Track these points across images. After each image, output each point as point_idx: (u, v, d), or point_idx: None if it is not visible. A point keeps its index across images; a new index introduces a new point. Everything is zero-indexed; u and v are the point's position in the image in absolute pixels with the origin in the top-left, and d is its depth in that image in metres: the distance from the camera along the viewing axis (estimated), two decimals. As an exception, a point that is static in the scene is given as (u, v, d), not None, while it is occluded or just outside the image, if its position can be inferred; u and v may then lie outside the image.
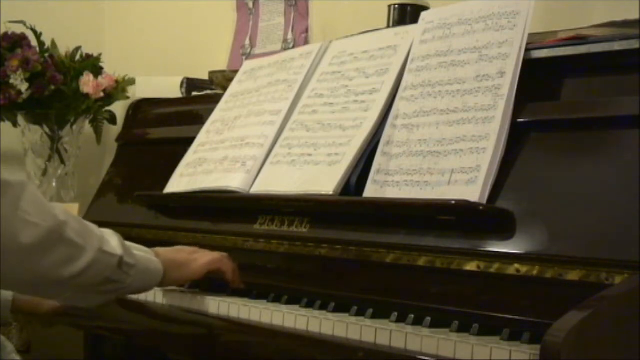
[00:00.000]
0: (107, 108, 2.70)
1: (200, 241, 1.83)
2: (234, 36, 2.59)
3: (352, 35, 1.85)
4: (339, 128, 1.66)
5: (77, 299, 1.48)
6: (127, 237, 1.99)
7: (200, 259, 1.63)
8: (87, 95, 2.58)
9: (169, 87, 2.39)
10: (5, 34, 2.55)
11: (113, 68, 2.68)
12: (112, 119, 2.71)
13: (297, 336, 1.40)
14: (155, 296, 1.70)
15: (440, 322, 1.32)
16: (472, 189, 1.37)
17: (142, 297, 1.71)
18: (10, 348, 1.59)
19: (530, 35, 1.46)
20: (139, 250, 1.53)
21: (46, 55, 2.59)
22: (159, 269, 1.54)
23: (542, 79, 1.45)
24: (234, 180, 1.78)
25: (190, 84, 2.40)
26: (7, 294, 1.71)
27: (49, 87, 2.53)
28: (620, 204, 1.24)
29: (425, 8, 1.77)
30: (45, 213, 1.37)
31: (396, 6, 1.89)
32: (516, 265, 1.29)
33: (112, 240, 1.47)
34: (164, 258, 1.56)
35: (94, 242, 1.43)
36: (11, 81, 2.48)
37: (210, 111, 2.02)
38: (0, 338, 1.56)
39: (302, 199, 1.63)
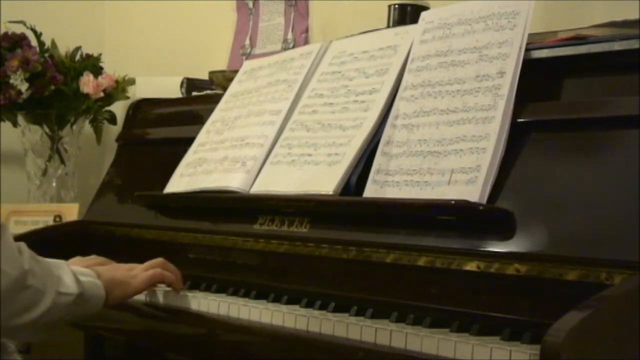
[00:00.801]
0: (107, 108, 2.70)
1: (200, 241, 1.83)
2: (234, 36, 2.59)
3: (352, 35, 1.85)
4: (339, 128, 1.66)
5: (28, 337, 1.49)
6: (127, 237, 2.01)
7: (140, 275, 1.63)
8: (87, 95, 2.58)
9: (169, 87, 2.39)
10: (5, 34, 2.56)
11: (113, 68, 2.68)
12: (112, 119, 2.72)
13: (297, 336, 1.40)
14: (155, 296, 1.70)
15: (440, 322, 1.32)
16: (472, 189, 1.37)
17: (142, 297, 1.71)
18: (12, 348, 1.59)
19: (530, 35, 1.46)
20: (83, 275, 1.52)
21: (46, 55, 2.59)
22: (101, 294, 1.53)
23: (542, 79, 1.45)
24: (234, 180, 1.78)
25: (190, 84, 2.40)
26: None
27: (49, 87, 2.54)
28: (620, 204, 1.24)
29: (425, 8, 1.77)
30: (14, 260, 1.37)
31: (396, 6, 1.89)
32: (516, 265, 1.29)
33: (66, 277, 1.47)
34: (105, 278, 1.55)
35: (53, 285, 1.43)
36: (11, 81, 2.48)
37: (210, 111, 2.02)
38: (1, 338, 1.56)
39: (302, 199, 1.62)
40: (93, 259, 1.67)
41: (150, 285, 1.66)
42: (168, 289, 1.70)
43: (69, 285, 1.46)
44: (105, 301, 1.55)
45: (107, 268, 1.62)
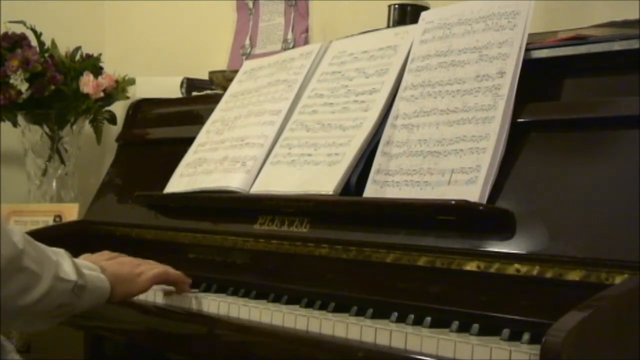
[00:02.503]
0: (107, 108, 2.70)
1: (200, 241, 1.83)
2: (234, 36, 2.59)
3: (352, 35, 1.85)
4: (339, 128, 1.66)
5: (26, 325, 1.46)
6: (127, 237, 2.01)
7: (145, 272, 1.61)
8: (87, 95, 2.58)
9: (169, 87, 2.39)
10: (5, 34, 2.55)
11: (113, 68, 2.67)
12: (112, 119, 2.71)
13: (297, 336, 1.40)
14: (155, 296, 1.70)
15: (440, 322, 1.32)
16: (472, 189, 1.37)
17: (142, 297, 1.70)
18: (10, 348, 1.58)
19: (530, 35, 1.46)
20: (87, 269, 1.50)
21: (46, 55, 2.59)
22: (106, 287, 1.52)
23: (542, 79, 1.45)
24: (234, 180, 1.78)
25: (190, 84, 2.40)
26: None
27: (49, 87, 2.53)
28: (620, 204, 1.24)
29: (425, 8, 1.77)
30: (6, 241, 1.34)
31: (396, 6, 1.89)
32: (516, 265, 1.29)
33: (66, 264, 1.45)
34: (110, 274, 1.54)
35: (50, 269, 1.41)
36: (11, 81, 2.48)
37: (210, 111, 2.02)
38: (0, 338, 1.56)
39: (302, 199, 1.62)
40: (105, 254, 1.66)
41: (155, 283, 1.64)
42: (171, 288, 1.70)
43: (68, 272, 1.44)
44: (110, 297, 1.53)
45: (112, 263, 1.59)
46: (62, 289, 1.43)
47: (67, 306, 1.45)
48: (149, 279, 1.61)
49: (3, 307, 1.36)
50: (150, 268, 1.63)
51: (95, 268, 1.52)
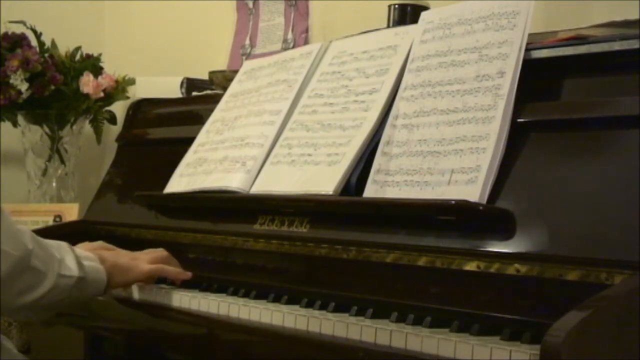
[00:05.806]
0: (107, 108, 2.70)
1: (200, 241, 1.83)
2: (234, 36, 2.59)
3: (352, 35, 1.85)
4: (339, 128, 1.66)
5: (24, 317, 1.51)
6: (127, 237, 2.01)
7: (142, 264, 1.65)
8: (87, 95, 2.58)
9: (169, 87, 2.39)
10: (5, 34, 2.56)
11: (113, 68, 2.68)
12: (112, 119, 2.72)
13: (297, 336, 1.40)
14: (155, 296, 1.70)
15: (440, 322, 1.32)
16: (472, 189, 1.37)
17: (142, 297, 1.71)
18: (10, 347, 1.59)
19: (530, 35, 1.46)
20: (87, 260, 1.55)
21: (46, 55, 2.59)
22: (103, 279, 1.57)
23: (542, 79, 1.45)
24: (234, 180, 1.78)
25: (190, 84, 2.40)
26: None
27: (49, 87, 2.53)
28: (620, 204, 1.24)
29: (425, 8, 1.77)
30: (17, 241, 1.39)
31: (396, 6, 1.89)
32: (516, 265, 1.29)
33: (68, 259, 1.49)
34: (108, 264, 1.58)
35: (54, 267, 1.46)
36: (11, 81, 2.48)
37: (210, 111, 2.02)
38: (0, 337, 1.56)
39: (302, 199, 1.62)
40: (99, 244, 1.70)
41: (151, 277, 1.68)
42: (169, 287, 1.70)
43: (71, 268, 1.49)
44: (107, 286, 1.58)
45: (111, 254, 1.64)
46: (64, 285, 1.48)
47: (67, 299, 1.50)
48: (145, 272, 1.65)
49: (10, 304, 1.41)
50: (148, 260, 1.67)
51: (94, 258, 1.57)
